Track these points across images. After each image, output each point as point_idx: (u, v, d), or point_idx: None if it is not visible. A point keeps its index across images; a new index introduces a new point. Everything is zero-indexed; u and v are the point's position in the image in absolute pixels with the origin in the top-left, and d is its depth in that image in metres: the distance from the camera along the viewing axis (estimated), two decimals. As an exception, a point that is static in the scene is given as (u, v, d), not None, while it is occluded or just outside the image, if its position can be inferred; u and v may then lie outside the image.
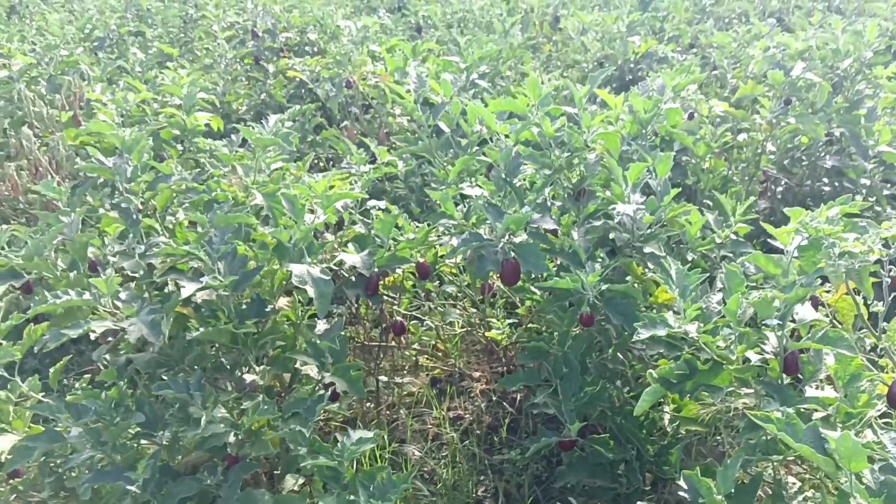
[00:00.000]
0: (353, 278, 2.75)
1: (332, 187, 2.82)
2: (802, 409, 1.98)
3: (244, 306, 2.35)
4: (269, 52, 5.61)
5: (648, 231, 2.67)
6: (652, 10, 7.26)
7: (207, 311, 2.29)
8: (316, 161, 4.74)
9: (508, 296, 3.52)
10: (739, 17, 8.83)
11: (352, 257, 2.58)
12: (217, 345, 2.42)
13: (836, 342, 1.95)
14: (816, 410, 2.01)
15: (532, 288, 2.96)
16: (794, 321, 2.07)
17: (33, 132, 3.64)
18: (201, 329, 2.18)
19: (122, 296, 2.20)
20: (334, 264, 2.61)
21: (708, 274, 2.93)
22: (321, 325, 2.58)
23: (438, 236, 2.85)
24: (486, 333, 3.43)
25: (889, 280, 1.91)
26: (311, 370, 2.46)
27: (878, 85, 4.58)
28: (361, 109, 4.99)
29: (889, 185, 4.05)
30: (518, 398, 3.33)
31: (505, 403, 3.33)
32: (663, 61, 5.72)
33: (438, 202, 2.68)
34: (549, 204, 2.77)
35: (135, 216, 2.45)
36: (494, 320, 3.39)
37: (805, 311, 2.11)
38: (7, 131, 3.90)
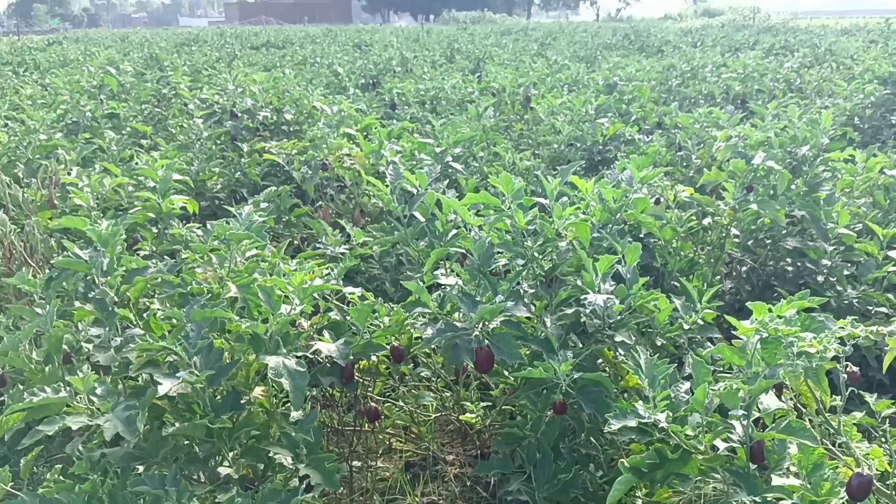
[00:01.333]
0: (329, 365, 2.77)
1: (309, 270, 2.86)
2: (769, 498, 2.03)
3: (219, 399, 2.35)
4: (245, 132, 5.71)
5: (619, 318, 2.74)
6: (617, 93, 7.52)
7: (183, 404, 2.29)
8: (291, 240, 4.79)
9: (482, 377, 3.55)
10: (705, 98, 9.16)
11: (328, 346, 2.61)
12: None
13: (798, 433, 2.01)
14: (782, 499, 2.06)
15: (506, 373, 3.00)
16: (759, 410, 2.13)
17: (8, 215, 3.66)
18: (177, 424, 2.18)
19: (98, 391, 2.20)
20: (310, 353, 2.63)
21: (676, 358, 3.03)
22: (295, 415, 2.59)
23: (413, 322, 2.89)
24: (461, 416, 3.44)
25: (846, 376, 1.98)
26: (286, 460, 2.46)
27: (834, 168, 4.78)
28: (337, 190, 5.07)
29: (849, 265, 4.18)
30: (492, 482, 3.32)
31: (479, 488, 3.33)
32: (630, 143, 5.91)
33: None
34: (521, 291, 2.84)
35: (111, 308, 2.46)
36: (468, 403, 3.41)
37: (769, 401, 2.17)
38: (-19, 215, 3.91)
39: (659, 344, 2.97)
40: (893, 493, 2.19)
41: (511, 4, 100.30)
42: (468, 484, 3.38)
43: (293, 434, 2.42)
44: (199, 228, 3.57)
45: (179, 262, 2.80)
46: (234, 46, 22.85)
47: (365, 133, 5.35)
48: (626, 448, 2.82)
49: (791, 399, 2.49)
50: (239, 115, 5.87)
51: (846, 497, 2.00)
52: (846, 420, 2.05)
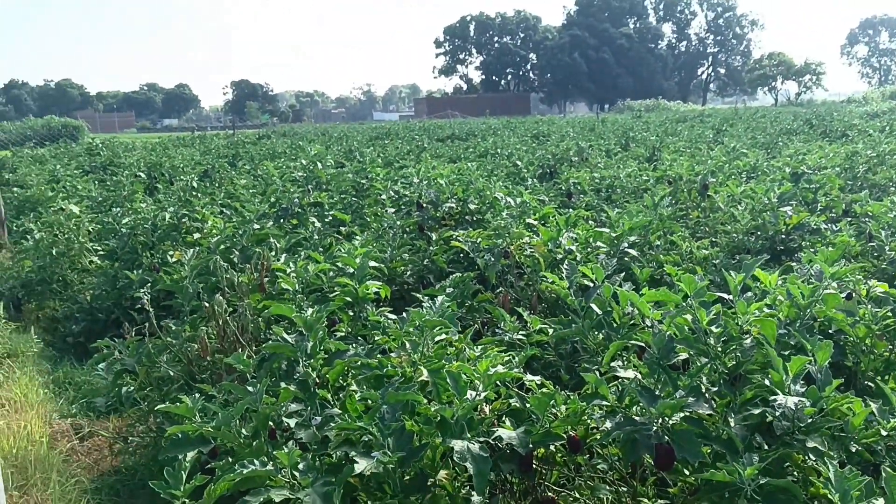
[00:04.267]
0: (508, 451, 2.86)
1: (490, 359, 3.00)
2: None
3: (408, 479, 2.50)
4: (431, 221, 6.05)
5: (810, 421, 2.64)
6: (804, 182, 7.25)
7: (374, 483, 2.45)
8: (472, 324, 4.98)
9: (660, 473, 3.48)
10: (896, 186, 8.60)
11: (509, 434, 2.70)
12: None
13: None
14: None
15: (686, 471, 2.95)
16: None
17: (224, 297, 4.10)
18: (369, 502, 2.34)
19: (300, 466, 2.41)
20: (492, 440, 2.74)
21: (872, 465, 2.84)
22: (477, 499, 2.68)
23: (590, 412, 2.93)
24: (637, 512, 3.38)
25: None
26: (468, 545, 2.55)
27: None
28: (516, 276, 5.23)
29: None
30: (670, 586, 3.22)
31: (655, 589, 3.23)
32: (816, 232, 5.67)
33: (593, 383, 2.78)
34: (702, 388, 2.81)
35: (312, 389, 2.70)
36: (645, 499, 3.35)
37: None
38: (201, 295, 4.40)
39: (853, 450, 2.81)
40: None
41: (686, 91, 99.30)
42: (645, 584, 3.29)
43: (475, 520, 2.51)
44: (389, 312, 3.83)
45: (375, 346, 3.03)
46: (422, 139, 24.15)
47: (543, 222, 5.51)
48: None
49: None
50: (424, 205, 6.24)
51: None
52: None
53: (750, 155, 10.68)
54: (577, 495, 3.56)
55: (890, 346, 4.00)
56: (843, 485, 2.17)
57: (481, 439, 2.63)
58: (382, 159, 13.41)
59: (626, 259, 5.08)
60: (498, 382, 3.02)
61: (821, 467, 2.53)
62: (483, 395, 2.66)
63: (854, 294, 4.00)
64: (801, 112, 34.29)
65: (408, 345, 2.99)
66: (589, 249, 5.09)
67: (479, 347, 3.27)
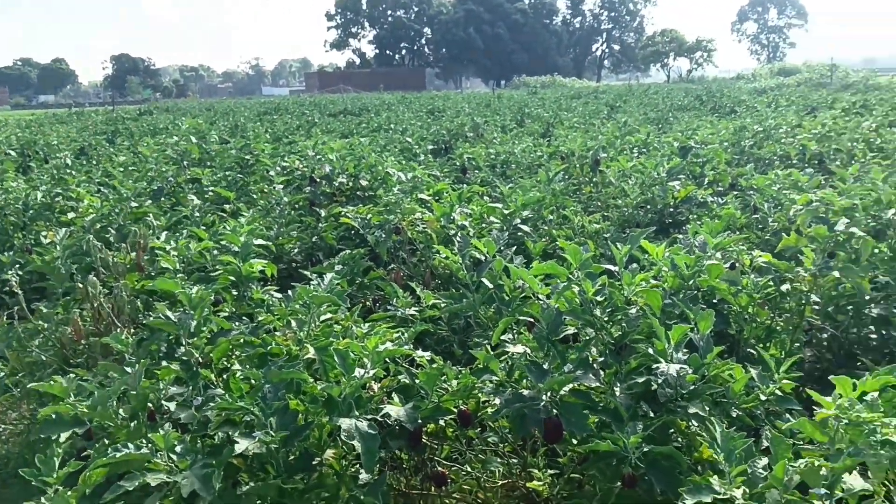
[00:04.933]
0: (398, 428, 2.80)
1: (381, 334, 2.93)
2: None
3: (292, 459, 2.41)
4: (322, 197, 5.90)
5: (693, 388, 2.69)
6: (692, 156, 7.47)
7: (257, 463, 2.35)
8: (363, 301, 4.89)
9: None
10: (780, 159, 9.00)
11: (397, 410, 2.64)
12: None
13: (885, 516, 1.93)
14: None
15: (574, 441, 2.97)
16: (842, 490, 2.05)
17: (99, 278, 3.86)
18: (251, 483, 2.24)
19: (178, 448, 2.28)
20: (380, 416, 2.67)
21: (753, 430, 2.93)
22: (365, 477, 2.62)
23: (481, 386, 2.90)
24: (528, 483, 3.40)
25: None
26: (356, 524, 2.48)
27: (922, 234, 4.61)
28: (408, 253, 5.17)
29: (938, 334, 4.01)
30: (560, 553, 3.26)
31: (547, 558, 3.26)
32: (703, 205, 5.85)
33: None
34: (590, 360, 2.83)
35: (195, 368, 2.56)
36: (536, 470, 3.37)
37: (853, 481, 2.09)
38: (74, 276, 4.14)
39: (734, 415, 2.89)
40: None
41: (581, 68, 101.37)
42: (536, 554, 3.32)
43: (362, 497, 2.45)
44: (275, 290, 3.70)
45: (259, 324, 2.90)
46: (313, 114, 23.69)
47: (437, 197, 5.46)
48: (701, 523, 2.74)
49: (880, 479, 2.39)
50: (318, 180, 6.08)
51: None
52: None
53: (641, 130, 10.95)
54: (469, 469, 3.56)
55: (771, 315, 4.17)
56: (728, 445, 2.22)
57: (370, 417, 2.56)
58: (271, 135, 13.04)
59: (519, 234, 5.10)
60: (388, 359, 2.95)
61: (704, 433, 2.59)
62: (372, 372, 2.59)
63: (737, 264, 4.13)
64: (693, 88, 35.56)
65: (294, 323, 2.88)
66: (483, 225, 5.08)
67: (369, 324, 3.19)
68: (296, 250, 5.39)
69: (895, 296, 4.17)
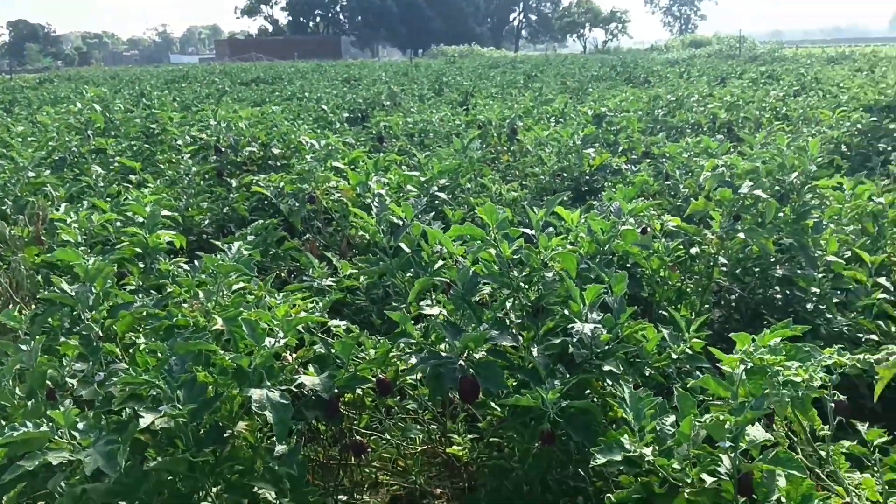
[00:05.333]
0: (314, 398, 2.75)
1: (294, 306, 2.86)
2: (758, 532, 2.01)
3: (202, 433, 2.33)
4: (232, 167, 5.73)
5: (607, 348, 2.73)
6: (605, 124, 7.58)
7: (165, 438, 2.26)
8: (278, 273, 4.78)
9: (470, 409, 3.53)
10: (692, 127, 9.24)
11: (311, 380, 2.59)
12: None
13: (786, 463, 2.00)
14: (772, 532, 2.04)
15: (492, 403, 2.98)
16: (746, 442, 2.12)
17: (-6, 252, 3.65)
18: (158, 458, 2.16)
19: (80, 426, 2.18)
20: (295, 387, 2.61)
21: (665, 388, 3.01)
22: (280, 448, 2.56)
23: (399, 354, 2.88)
24: (448, 449, 3.41)
25: (833, 405, 1.97)
26: (270, 495, 2.43)
27: (822, 196, 4.80)
28: (324, 223, 5.07)
29: (838, 293, 4.18)
30: (481, 516, 3.28)
31: (468, 522, 3.28)
32: (617, 173, 5.95)
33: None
34: (507, 321, 2.83)
35: (95, 343, 2.44)
36: (455, 435, 3.38)
37: (756, 432, 2.15)
38: (-33, 251, 3.90)
39: (647, 374, 2.95)
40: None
41: (498, 38, 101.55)
42: (457, 518, 3.34)
43: (277, 468, 2.39)
44: (185, 263, 3.57)
45: (166, 296, 2.79)
46: (223, 83, 23.02)
47: (353, 166, 5.37)
48: (615, 479, 2.80)
49: (783, 429, 2.48)
50: (223, 149, 5.88)
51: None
52: (835, 449, 2.03)
53: (558, 100, 11.04)
54: (389, 437, 3.54)
55: (682, 277, 4.28)
56: (636, 404, 2.26)
57: (283, 388, 2.50)
58: (179, 103, 12.59)
59: (437, 203, 5.07)
60: (302, 329, 2.89)
61: (617, 391, 2.63)
62: (283, 341, 2.52)
63: (649, 229, 4.22)
64: (608, 59, 36.09)
65: (201, 294, 2.77)
66: (401, 194, 5.02)
67: (283, 295, 3.11)
68: (206, 221, 5.22)
69: (799, 257, 4.33)
